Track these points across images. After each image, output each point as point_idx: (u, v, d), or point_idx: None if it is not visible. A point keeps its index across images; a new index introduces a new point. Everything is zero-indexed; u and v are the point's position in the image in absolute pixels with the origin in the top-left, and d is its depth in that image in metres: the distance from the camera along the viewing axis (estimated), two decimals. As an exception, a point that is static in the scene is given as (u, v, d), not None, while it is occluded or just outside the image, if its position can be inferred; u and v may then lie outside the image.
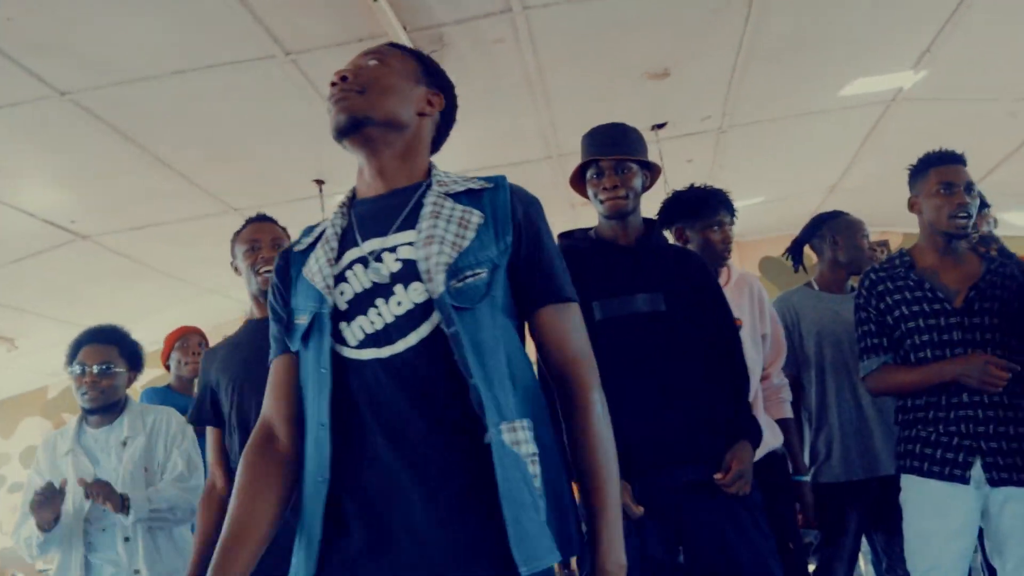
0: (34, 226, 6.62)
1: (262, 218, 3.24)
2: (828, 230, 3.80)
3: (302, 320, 1.68)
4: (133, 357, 3.54)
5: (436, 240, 1.61)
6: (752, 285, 3.34)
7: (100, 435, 3.44)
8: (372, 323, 1.61)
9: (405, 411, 1.55)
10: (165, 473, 3.42)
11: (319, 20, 4.71)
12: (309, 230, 1.87)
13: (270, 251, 3.05)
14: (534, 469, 1.53)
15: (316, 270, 1.71)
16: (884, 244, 9.83)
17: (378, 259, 1.65)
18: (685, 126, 6.74)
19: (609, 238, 2.78)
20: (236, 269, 3.21)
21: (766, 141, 7.25)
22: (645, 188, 2.82)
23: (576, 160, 2.86)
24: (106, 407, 3.42)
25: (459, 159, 6.90)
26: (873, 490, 3.43)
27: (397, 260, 1.64)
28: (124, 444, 3.41)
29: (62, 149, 5.68)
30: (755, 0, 4.94)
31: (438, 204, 1.70)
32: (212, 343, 3.71)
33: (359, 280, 1.65)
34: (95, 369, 3.38)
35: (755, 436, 2.64)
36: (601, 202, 2.74)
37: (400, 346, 1.58)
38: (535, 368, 1.72)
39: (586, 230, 2.91)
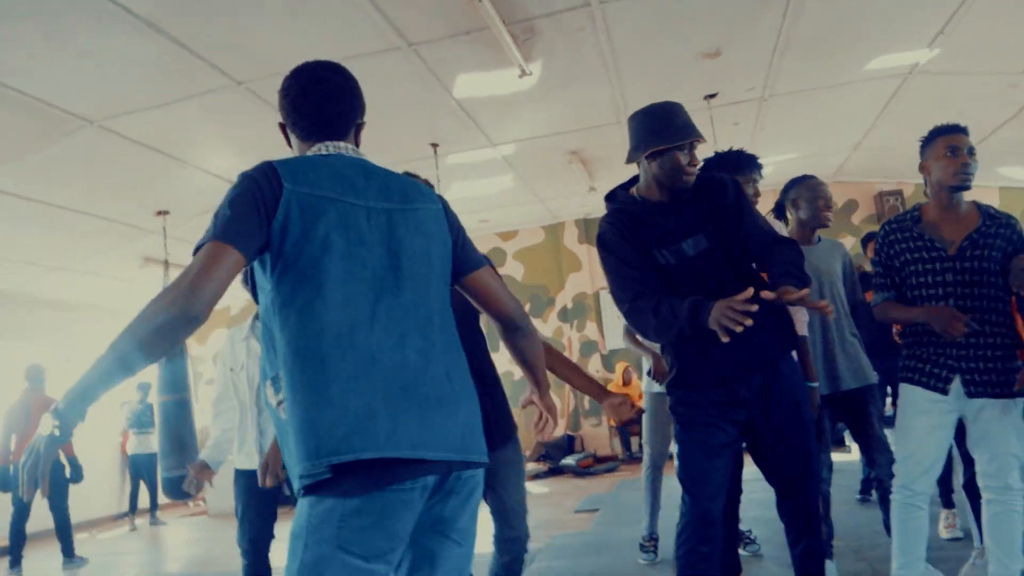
0: (220, 184, 6.89)
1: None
2: (793, 192, 3.67)
3: None
4: None
5: None
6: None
7: None
8: None
9: None
10: None
11: (433, 16, 4.76)
12: None
13: None
14: None
15: None
16: (899, 193, 9.50)
17: None
18: (733, 96, 6.58)
19: (656, 199, 2.60)
20: None
21: (800, 108, 7.03)
22: None
23: None
24: None
25: (547, 126, 6.92)
26: (839, 401, 3.45)
27: None
28: None
29: (240, 126, 5.91)
30: (792, -8, 4.80)
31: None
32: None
33: None
34: None
35: (801, 279, 2.38)
36: (682, 176, 2.52)
37: None
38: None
39: (626, 190, 2.70)
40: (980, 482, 2.89)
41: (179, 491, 6.63)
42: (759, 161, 3.39)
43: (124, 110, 5.36)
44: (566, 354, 10.46)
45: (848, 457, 6.98)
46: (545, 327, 10.81)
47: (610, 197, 2.73)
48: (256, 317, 3.48)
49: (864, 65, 6.16)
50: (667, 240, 2.55)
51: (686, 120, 2.55)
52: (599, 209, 4.88)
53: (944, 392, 2.81)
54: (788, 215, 3.74)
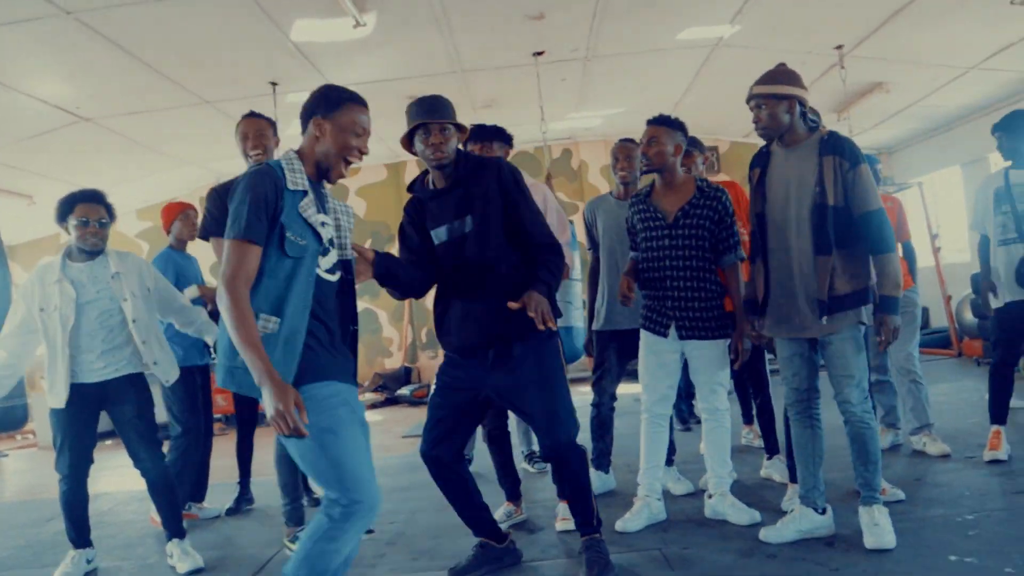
0: (47, 111, 6.88)
1: (251, 114, 4.02)
2: (611, 158, 4.30)
3: (301, 242, 2.29)
4: (112, 213, 3.75)
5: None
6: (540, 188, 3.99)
7: (84, 268, 3.62)
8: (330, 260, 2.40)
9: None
10: (163, 294, 3.87)
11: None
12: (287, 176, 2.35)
13: (256, 140, 4.00)
14: None
15: (312, 215, 2.34)
16: (715, 149, 10.52)
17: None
18: (559, 55, 7.19)
19: (437, 184, 3.09)
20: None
21: (621, 69, 7.74)
22: (460, 141, 3.10)
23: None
24: (99, 250, 3.66)
25: (385, 71, 7.30)
26: (618, 337, 4.14)
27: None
28: (114, 277, 3.63)
29: (68, 54, 5.95)
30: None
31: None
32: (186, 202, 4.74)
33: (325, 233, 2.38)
34: (97, 223, 3.61)
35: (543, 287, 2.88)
36: (428, 155, 2.99)
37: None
38: None
39: (422, 178, 3.17)
40: (699, 406, 3.70)
41: (5, 422, 6.77)
42: (508, 133, 4.12)
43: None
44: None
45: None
46: (387, 263, 11.29)
47: (409, 187, 3.23)
48: (67, 255, 3.65)
49: (676, 35, 6.90)
50: (439, 221, 3.06)
51: (438, 106, 2.99)
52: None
53: (664, 335, 3.57)
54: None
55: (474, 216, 3.00)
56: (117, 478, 5.98)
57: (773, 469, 4.20)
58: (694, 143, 4.26)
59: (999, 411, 4.23)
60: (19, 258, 10.72)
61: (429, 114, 2.98)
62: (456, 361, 3.10)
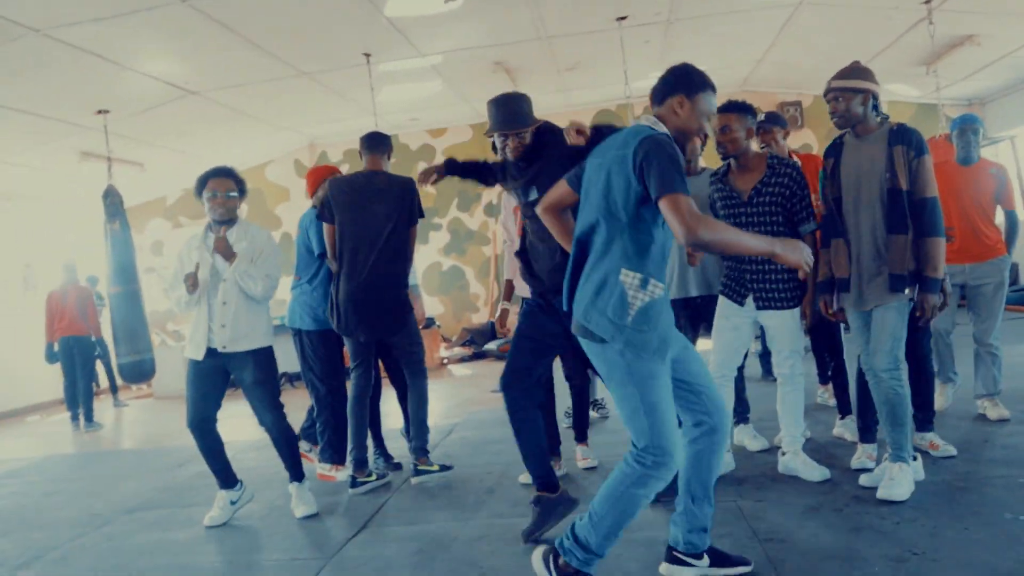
0: (158, 86, 7.52)
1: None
2: None
3: None
4: (242, 188, 4.14)
5: None
6: None
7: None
8: None
9: None
10: (259, 261, 4.09)
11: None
12: None
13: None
14: None
15: None
16: (798, 104, 10.51)
17: None
18: (642, 18, 7.40)
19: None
20: None
21: (704, 30, 7.90)
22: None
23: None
24: (228, 220, 4.05)
25: (473, 40, 7.64)
26: (691, 306, 4.40)
27: None
28: (237, 244, 4.03)
29: (182, 38, 6.49)
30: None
31: None
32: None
33: None
34: (226, 195, 4.00)
35: None
36: (507, 157, 3.47)
37: None
38: None
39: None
40: (775, 371, 4.02)
41: (134, 375, 7.53)
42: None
43: (68, 21, 5.88)
44: (490, 247, 11.49)
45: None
46: (472, 221, 11.75)
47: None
48: (208, 227, 4.08)
49: (758, -6, 7.02)
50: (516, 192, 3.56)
51: (511, 116, 3.40)
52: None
53: (741, 304, 3.88)
54: None
55: (538, 187, 3.39)
56: (235, 427, 6.61)
57: (845, 428, 4.49)
58: (775, 119, 4.50)
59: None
60: (130, 221, 11.55)
61: (504, 126, 3.40)
62: (536, 308, 3.55)
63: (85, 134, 8.34)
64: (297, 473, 4.17)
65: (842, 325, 4.17)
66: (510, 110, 3.43)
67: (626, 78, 7.81)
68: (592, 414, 5.64)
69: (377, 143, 4.59)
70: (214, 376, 4.01)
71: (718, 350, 3.96)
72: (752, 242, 2.44)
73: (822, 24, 7.60)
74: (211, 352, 3.97)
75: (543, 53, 8.07)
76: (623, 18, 7.29)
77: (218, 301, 3.97)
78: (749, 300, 3.87)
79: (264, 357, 4.06)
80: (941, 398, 4.85)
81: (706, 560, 2.81)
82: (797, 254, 2.37)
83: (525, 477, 4.18)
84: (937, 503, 3.31)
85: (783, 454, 3.97)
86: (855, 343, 3.68)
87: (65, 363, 8.39)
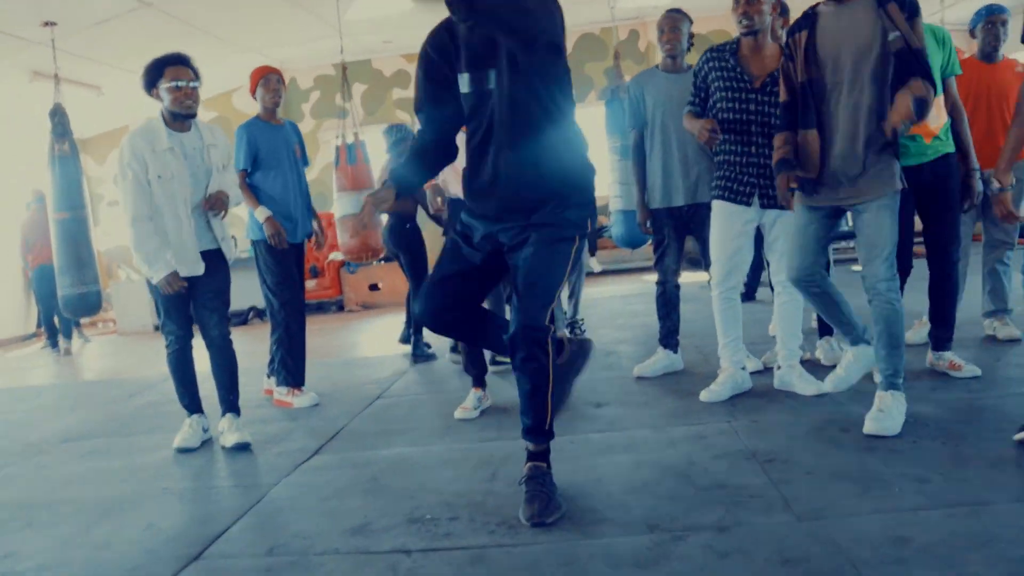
0: (111, -6, 7.02)
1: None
2: (658, 26, 4.17)
3: None
4: (199, 76, 3.68)
5: None
6: None
7: (186, 139, 3.66)
8: None
9: None
10: (224, 171, 3.83)
11: None
12: None
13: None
14: None
15: None
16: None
17: None
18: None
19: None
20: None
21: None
22: None
23: None
24: (191, 115, 3.65)
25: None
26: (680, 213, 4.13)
27: None
28: (208, 148, 3.73)
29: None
30: None
31: None
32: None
33: None
34: (191, 85, 3.60)
35: None
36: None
37: None
38: None
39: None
40: (772, 279, 3.70)
41: (78, 308, 7.12)
42: None
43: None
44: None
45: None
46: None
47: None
48: (162, 123, 3.62)
49: None
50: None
51: None
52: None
53: (749, 204, 3.54)
54: None
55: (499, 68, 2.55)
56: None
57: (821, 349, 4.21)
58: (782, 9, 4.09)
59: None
60: (90, 150, 11.10)
61: None
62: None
63: (34, 50, 7.84)
64: (234, 403, 3.84)
65: None
66: None
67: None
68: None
69: None
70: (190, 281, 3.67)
71: (720, 261, 3.66)
72: None
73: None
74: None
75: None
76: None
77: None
78: (755, 199, 3.53)
79: (227, 264, 3.83)
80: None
81: None
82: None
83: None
84: (957, 421, 3.04)
85: (778, 368, 3.71)
86: (793, 244, 3.19)
87: (44, 292, 8.34)
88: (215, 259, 3.75)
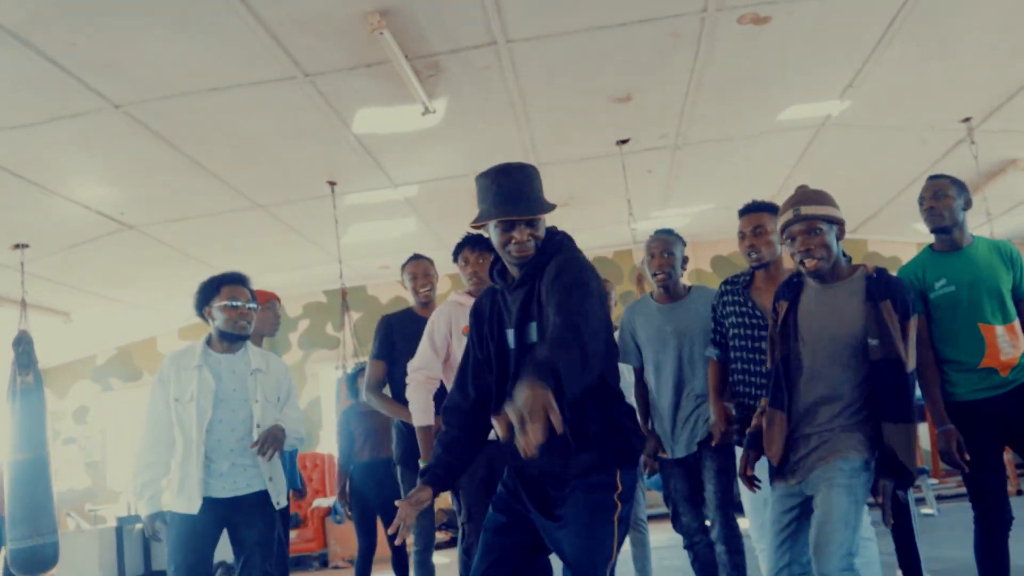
0: (88, 216, 6.68)
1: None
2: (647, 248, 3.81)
3: None
4: (256, 300, 3.70)
5: None
6: None
7: (225, 359, 3.55)
8: None
9: None
10: (286, 407, 3.66)
11: (331, 46, 4.77)
12: None
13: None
14: None
15: None
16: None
17: None
18: (646, 142, 6.81)
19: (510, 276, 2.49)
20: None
21: (715, 157, 7.33)
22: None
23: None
24: (244, 336, 3.59)
25: (453, 166, 6.99)
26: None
27: None
28: (253, 373, 3.57)
29: (115, 153, 5.74)
30: (703, 38, 5.03)
31: None
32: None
33: None
34: (248, 306, 3.57)
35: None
36: (507, 253, 2.40)
37: None
38: None
39: (503, 272, 2.51)
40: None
41: (29, 564, 6.22)
42: None
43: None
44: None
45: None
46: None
47: (488, 273, 2.62)
48: (207, 342, 3.59)
49: (777, 115, 6.47)
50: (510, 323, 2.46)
51: (522, 193, 2.40)
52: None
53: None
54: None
55: (541, 320, 2.35)
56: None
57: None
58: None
59: None
60: (51, 383, 10.45)
61: (513, 206, 2.37)
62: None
63: (1, 274, 7.45)
64: None
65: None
66: (521, 186, 2.40)
67: (631, 210, 7.14)
68: None
69: None
70: (210, 534, 3.43)
71: (754, 514, 3.29)
72: None
73: (847, 148, 7.05)
74: (209, 502, 3.37)
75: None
76: (624, 141, 6.69)
77: (253, 424, 3.49)
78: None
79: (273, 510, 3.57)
80: None
81: None
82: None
83: None
84: None
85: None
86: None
87: None
88: (259, 501, 3.48)
